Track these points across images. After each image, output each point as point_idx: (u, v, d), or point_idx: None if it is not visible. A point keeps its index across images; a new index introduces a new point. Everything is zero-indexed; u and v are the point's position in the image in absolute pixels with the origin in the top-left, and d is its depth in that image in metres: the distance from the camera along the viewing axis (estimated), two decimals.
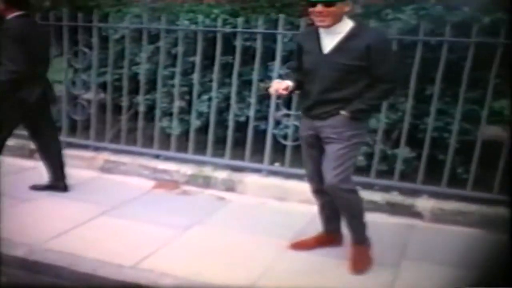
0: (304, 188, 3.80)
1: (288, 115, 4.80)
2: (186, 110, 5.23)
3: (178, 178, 4.97)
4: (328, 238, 3.66)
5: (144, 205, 4.46)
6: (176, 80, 5.11)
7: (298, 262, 3.46)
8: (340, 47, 3.09)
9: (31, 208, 4.27)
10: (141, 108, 5.30)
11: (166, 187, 4.89)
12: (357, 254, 3.36)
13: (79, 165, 5.32)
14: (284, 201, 4.59)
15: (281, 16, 4.68)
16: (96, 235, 3.81)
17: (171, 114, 5.23)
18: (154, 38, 5.29)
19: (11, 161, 5.60)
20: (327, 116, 3.18)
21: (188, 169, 5.02)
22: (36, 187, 4.68)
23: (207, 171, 4.98)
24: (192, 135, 5.09)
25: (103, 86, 5.59)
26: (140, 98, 5.31)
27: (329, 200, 3.35)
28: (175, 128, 5.18)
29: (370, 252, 3.40)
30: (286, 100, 4.70)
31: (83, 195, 4.64)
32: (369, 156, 4.53)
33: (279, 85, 3.27)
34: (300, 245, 3.68)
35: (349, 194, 3.21)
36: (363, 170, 4.45)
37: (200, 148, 5.11)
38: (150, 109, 5.33)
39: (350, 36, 3.08)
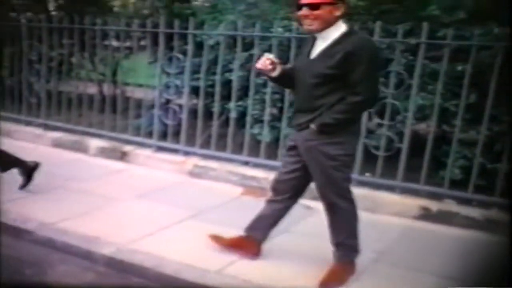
0: (395, 200, 3.68)
1: (381, 125, 4.69)
2: (277, 118, 5.26)
3: (266, 186, 4.97)
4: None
5: (231, 211, 4.52)
6: (269, 88, 5.15)
7: None
8: (323, 54, 3.01)
9: (120, 208, 4.46)
10: (233, 115, 5.39)
11: (254, 194, 4.92)
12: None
13: (168, 168, 5.51)
14: (374, 213, 4.47)
15: (378, 23, 4.59)
16: (183, 238, 3.91)
17: (262, 121, 5.27)
18: (248, 45, 5.38)
19: (103, 163, 5.92)
20: (301, 129, 3.15)
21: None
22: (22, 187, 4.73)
23: None
24: (282, 142, 5.10)
25: (195, 92, 5.75)
26: (232, 104, 5.40)
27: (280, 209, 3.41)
28: (266, 135, 5.22)
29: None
30: (379, 110, 4.61)
31: (171, 198, 4.79)
32: (467, 169, 4.34)
33: (265, 60, 3.16)
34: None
35: (346, 204, 3.20)
36: (460, 184, 4.25)
37: None
38: (241, 115, 5.41)
39: (334, 43, 2.99)
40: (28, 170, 4.73)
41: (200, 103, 5.63)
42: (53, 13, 7.91)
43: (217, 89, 5.47)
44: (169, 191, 4.97)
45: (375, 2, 5.05)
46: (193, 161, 5.54)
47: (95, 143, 6.20)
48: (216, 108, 5.50)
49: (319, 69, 3.00)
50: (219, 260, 3.51)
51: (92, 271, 3.55)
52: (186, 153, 5.67)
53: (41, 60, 6.83)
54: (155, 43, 5.83)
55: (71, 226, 4.01)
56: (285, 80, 3.29)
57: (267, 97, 5.19)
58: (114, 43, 6.33)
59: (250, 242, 3.57)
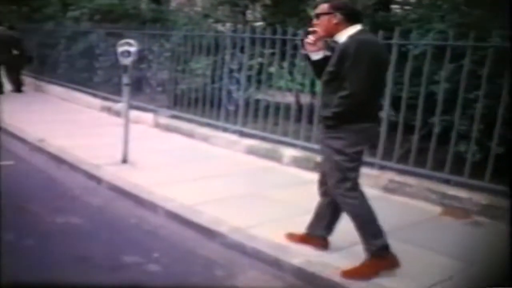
0: None
1: None
2: (486, 134, 5.02)
3: (469, 207, 4.80)
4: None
5: (427, 231, 4.42)
6: (479, 103, 4.96)
7: None
8: (332, 55, 3.55)
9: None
10: (436, 129, 5.27)
11: (455, 215, 4.76)
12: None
13: (362, 182, 5.51)
14: None
15: None
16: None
17: (468, 138, 5.07)
18: (457, 56, 5.24)
19: (296, 172, 6.15)
20: (319, 122, 3.73)
21: (482, 198, 4.81)
22: None
23: (502, 202, 4.67)
24: (491, 162, 4.85)
25: (395, 104, 5.73)
26: (436, 118, 5.28)
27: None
28: (473, 154, 5.00)
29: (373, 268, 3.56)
30: None
31: None
32: None
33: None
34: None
35: (348, 205, 3.59)
36: None
37: (498, 176, 4.83)
38: (445, 130, 5.26)
39: (339, 45, 3.51)
40: None
41: (400, 116, 5.60)
42: (255, 24, 8.48)
43: (420, 101, 5.39)
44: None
45: None
46: (388, 175, 5.51)
47: (289, 152, 6.49)
48: (417, 122, 5.42)
49: (327, 68, 3.57)
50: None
51: (281, 280, 3.72)
52: (382, 167, 5.67)
53: (241, 69, 7.36)
54: None
55: (262, 233, 4.24)
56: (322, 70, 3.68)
57: (477, 112, 4.99)
58: None
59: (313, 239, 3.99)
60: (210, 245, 4.24)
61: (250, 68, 7.26)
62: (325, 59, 3.64)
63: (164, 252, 4.07)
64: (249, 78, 7.31)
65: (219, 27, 8.90)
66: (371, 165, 5.72)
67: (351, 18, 3.55)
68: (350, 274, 3.56)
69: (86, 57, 11.15)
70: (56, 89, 12.38)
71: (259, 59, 7.19)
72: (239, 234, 4.26)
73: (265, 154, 6.71)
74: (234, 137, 7.27)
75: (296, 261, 3.78)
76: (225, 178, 5.85)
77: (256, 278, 3.76)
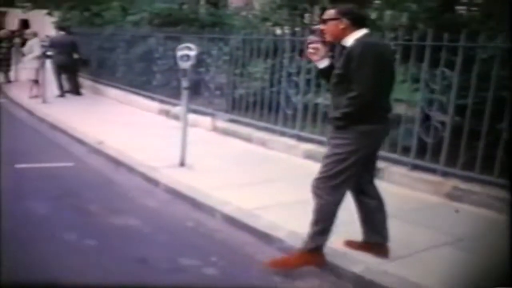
0: None
1: None
2: None
3: None
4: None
5: (496, 241, 4.26)
6: None
7: None
8: (340, 58, 3.70)
9: None
10: (504, 136, 5.11)
11: None
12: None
13: (424, 189, 5.44)
14: None
15: None
16: (439, 264, 3.83)
17: None
18: None
19: None
20: (329, 123, 3.88)
21: None
22: None
23: None
24: None
25: (459, 109, 5.59)
26: (504, 125, 5.12)
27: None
28: None
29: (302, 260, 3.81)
30: None
31: (426, 220, 4.72)
32: None
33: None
34: None
35: (320, 199, 3.75)
36: None
37: None
38: None
39: (346, 48, 3.66)
40: None
41: (465, 121, 5.46)
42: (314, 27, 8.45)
43: (487, 107, 5.24)
44: (424, 213, 4.91)
45: None
46: (452, 182, 5.38)
47: None
48: (484, 128, 5.27)
49: (335, 70, 3.72)
50: None
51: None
52: (445, 174, 5.53)
53: (300, 72, 7.34)
54: (407, 56, 5.85)
55: None
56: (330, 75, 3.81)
57: None
58: None
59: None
60: (268, 250, 4.25)
61: (309, 71, 7.24)
62: (331, 65, 3.82)
63: (221, 255, 4.11)
64: (308, 82, 7.29)
65: (277, 30, 8.91)
66: (433, 171, 5.61)
67: (357, 23, 3.72)
68: (276, 264, 3.91)
69: (144, 61, 11.40)
70: (115, 92, 12.71)
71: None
72: (297, 239, 4.23)
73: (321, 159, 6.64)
74: (292, 141, 7.26)
75: (356, 268, 3.76)
76: (283, 182, 5.85)
77: (315, 285, 3.75)
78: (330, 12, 3.77)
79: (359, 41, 3.64)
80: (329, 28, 3.75)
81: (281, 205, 5.03)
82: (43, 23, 20.38)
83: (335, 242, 4.04)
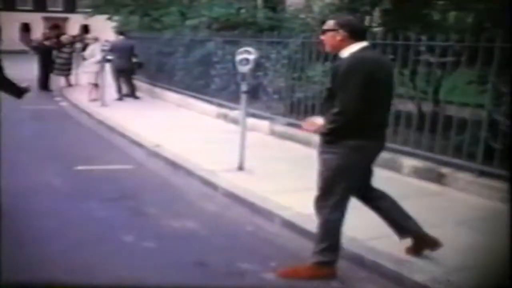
0: None
1: None
2: None
3: None
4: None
5: None
6: None
7: None
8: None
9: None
10: None
11: None
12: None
13: (492, 196, 5.26)
14: None
15: None
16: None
17: None
18: None
19: (416, 183, 5.96)
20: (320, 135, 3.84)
21: None
22: None
23: None
24: None
25: None
26: None
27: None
28: None
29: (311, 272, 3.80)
30: None
31: (495, 229, 4.54)
32: None
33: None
34: None
35: (322, 217, 3.80)
36: None
37: None
38: None
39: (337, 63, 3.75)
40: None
41: None
42: (374, 29, 8.34)
43: None
44: (492, 222, 4.74)
45: None
46: None
47: (409, 162, 6.32)
48: None
49: (327, 84, 3.90)
50: None
51: None
52: None
53: None
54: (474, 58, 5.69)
55: (381, 245, 4.16)
56: None
57: None
58: (432, 59, 6.35)
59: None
60: None
61: None
62: None
63: (281, 261, 4.11)
64: None
65: None
66: (501, 178, 5.42)
67: (354, 35, 3.69)
68: (287, 274, 3.90)
69: (202, 65, 11.53)
70: (173, 96, 12.91)
71: None
72: (357, 246, 4.21)
73: (383, 164, 6.52)
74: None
75: (420, 277, 3.68)
76: None
77: None
78: (329, 23, 3.78)
79: (351, 55, 3.64)
80: (327, 39, 3.78)
81: None
82: (103, 28, 20.92)
83: (396, 249, 4.00)
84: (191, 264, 4.03)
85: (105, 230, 4.73)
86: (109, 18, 18.78)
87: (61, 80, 16.27)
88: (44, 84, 15.79)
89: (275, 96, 9.14)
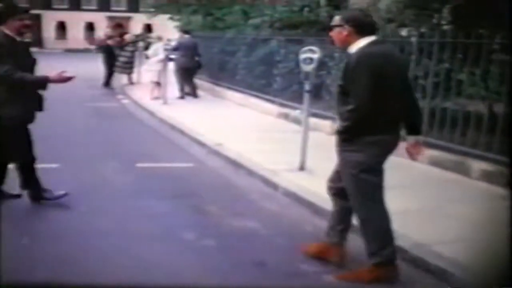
0: None
1: None
2: None
3: None
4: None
5: None
6: None
7: None
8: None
9: None
10: None
11: None
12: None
13: None
14: None
15: None
16: None
17: None
18: None
19: (486, 187, 5.78)
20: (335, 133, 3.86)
21: None
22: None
23: None
24: None
25: None
26: None
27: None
28: None
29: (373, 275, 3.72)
30: None
31: None
32: None
33: None
34: None
35: (359, 216, 3.82)
36: None
37: None
38: None
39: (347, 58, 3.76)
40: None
41: None
42: (445, 27, 8.16)
43: None
44: None
45: None
46: None
47: (479, 165, 6.13)
48: None
49: (338, 80, 3.84)
50: None
51: None
52: None
53: (427, 75, 7.09)
54: None
55: (447, 251, 4.05)
56: None
57: None
58: (506, 58, 6.15)
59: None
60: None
61: (437, 74, 6.97)
62: None
63: (342, 263, 4.04)
64: (436, 85, 7.02)
65: (403, 32, 8.66)
66: None
67: (361, 30, 3.70)
68: (347, 278, 3.86)
69: (265, 64, 11.55)
70: (234, 95, 13.00)
71: (446, 65, 6.89)
72: (422, 251, 4.12)
73: (450, 166, 6.40)
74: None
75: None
76: (406, 189, 5.65)
77: None
78: (336, 19, 3.83)
79: (359, 50, 3.65)
80: (335, 35, 3.81)
81: (404, 213, 4.85)
82: (165, 27, 21.31)
83: (463, 256, 3.85)
84: (251, 264, 4.04)
85: (166, 227, 4.80)
86: (171, 18, 19.13)
87: (124, 78, 16.67)
88: (107, 82, 16.25)
89: None
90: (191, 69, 13.53)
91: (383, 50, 3.88)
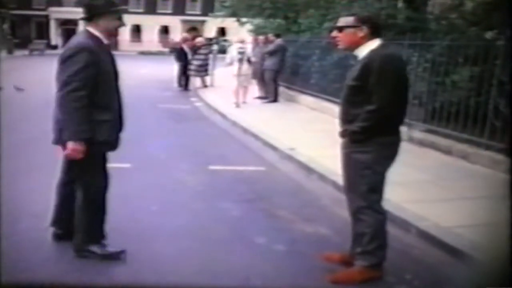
0: None
1: None
2: None
3: None
4: None
5: None
6: None
7: None
8: (353, 69, 3.74)
9: None
10: None
11: None
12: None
13: None
14: None
15: None
16: None
17: None
18: None
19: None
20: (341, 136, 3.87)
21: None
22: None
23: None
24: None
25: None
26: None
27: None
28: None
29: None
30: None
31: None
32: None
33: None
34: None
35: (368, 218, 3.78)
36: None
37: None
38: None
39: (362, 59, 3.67)
40: None
41: None
42: None
43: None
44: None
45: None
46: None
47: None
48: None
49: (348, 82, 3.77)
50: None
51: None
52: None
53: None
54: None
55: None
56: None
57: None
58: None
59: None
60: (468, 273, 4.03)
61: None
62: None
63: (417, 274, 4.05)
64: None
65: (488, 35, 8.42)
66: None
67: (376, 31, 3.72)
68: (338, 279, 3.86)
69: (339, 68, 11.49)
70: (307, 99, 13.02)
71: None
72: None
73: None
74: (499, 156, 6.81)
75: None
76: (486, 200, 5.50)
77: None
78: (348, 19, 3.76)
79: (375, 52, 3.64)
80: (346, 37, 3.76)
81: (484, 225, 4.74)
82: (238, 30, 21.54)
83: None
84: (322, 271, 4.04)
85: (238, 230, 4.88)
86: (239, 22, 19.34)
87: (197, 81, 16.99)
88: (180, 83, 16.68)
89: (415, 101, 8.90)
90: (280, 72, 13.74)
91: (398, 53, 3.95)
